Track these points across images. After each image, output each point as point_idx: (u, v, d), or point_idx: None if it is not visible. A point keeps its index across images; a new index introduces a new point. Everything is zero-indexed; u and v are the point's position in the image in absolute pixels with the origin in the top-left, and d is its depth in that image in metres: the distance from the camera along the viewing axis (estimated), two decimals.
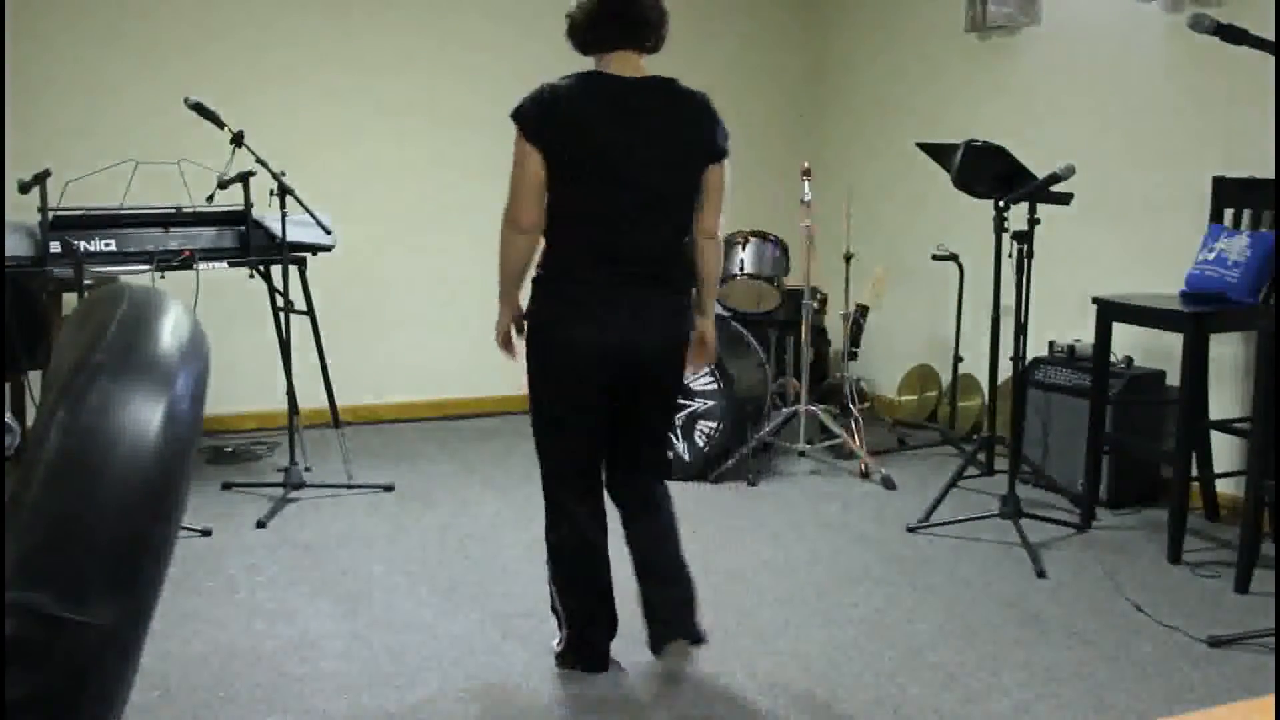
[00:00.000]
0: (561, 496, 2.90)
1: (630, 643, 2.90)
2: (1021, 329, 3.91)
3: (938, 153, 4.21)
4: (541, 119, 2.63)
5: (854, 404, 5.02)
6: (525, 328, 2.83)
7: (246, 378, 5.03)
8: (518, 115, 2.65)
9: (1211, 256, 3.86)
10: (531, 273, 2.80)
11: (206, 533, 3.90)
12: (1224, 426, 3.87)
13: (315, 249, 4.41)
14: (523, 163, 2.65)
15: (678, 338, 2.81)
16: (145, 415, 1.04)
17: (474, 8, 5.63)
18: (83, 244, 3.97)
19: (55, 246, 3.93)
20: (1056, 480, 4.30)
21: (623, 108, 2.67)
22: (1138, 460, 4.28)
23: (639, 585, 2.85)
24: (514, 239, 2.72)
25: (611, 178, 2.66)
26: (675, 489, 3.04)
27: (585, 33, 2.71)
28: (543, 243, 2.75)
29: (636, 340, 2.73)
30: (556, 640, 2.94)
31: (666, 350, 2.79)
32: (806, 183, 4.72)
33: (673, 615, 2.82)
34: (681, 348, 2.83)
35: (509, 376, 5.79)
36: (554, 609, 2.94)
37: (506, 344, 2.88)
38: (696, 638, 2.82)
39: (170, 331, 1.10)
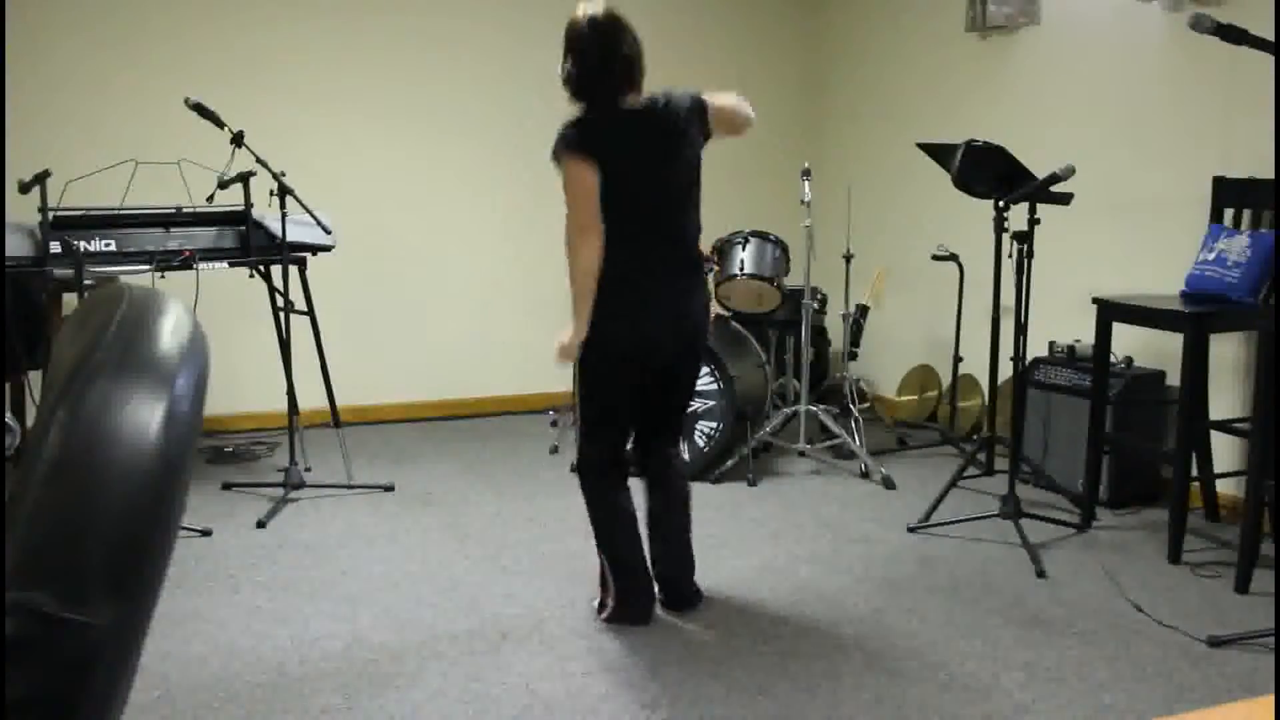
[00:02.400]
0: (608, 471, 3.25)
1: (630, 642, 2.89)
2: (1021, 329, 3.91)
3: (938, 153, 4.21)
4: (581, 141, 2.99)
5: (854, 404, 5.02)
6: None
7: (246, 378, 5.04)
8: (560, 145, 3.02)
9: (1211, 257, 3.86)
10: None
11: (206, 533, 3.90)
12: (1224, 426, 3.87)
13: (315, 249, 4.41)
14: (577, 176, 2.98)
15: (698, 329, 3.21)
16: (145, 415, 1.04)
17: (476, 12, 5.63)
18: (83, 244, 3.98)
19: (55, 246, 3.94)
20: (1056, 480, 4.30)
21: (636, 131, 3.05)
22: (1138, 460, 4.28)
23: (649, 545, 3.26)
24: (585, 243, 2.99)
25: (642, 191, 3.04)
26: None
27: (590, 86, 3.04)
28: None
29: (678, 327, 3.13)
30: (597, 603, 3.26)
31: (701, 329, 3.20)
32: (806, 183, 4.72)
33: (674, 588, 3.28)
34: (701, 334, 3.22)
35: (509, 376, 5.83)
36: (602, 576, 3.24)
37: (570, 353, 3.11)
38: (693, 602, 3.30)
39: (170, 331, 1.10)
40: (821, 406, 4.87)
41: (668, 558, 3.28)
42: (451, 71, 5.60)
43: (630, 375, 3.13)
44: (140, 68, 5.05)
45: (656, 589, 3.25)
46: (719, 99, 3.18)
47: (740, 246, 4.80)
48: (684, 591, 3.30)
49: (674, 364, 3.18)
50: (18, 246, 3.93)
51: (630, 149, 3.03)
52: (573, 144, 3.00)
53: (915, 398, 5.67)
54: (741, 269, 4.76)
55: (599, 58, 3.01)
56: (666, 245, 3.10)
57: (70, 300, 4.22)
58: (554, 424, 5.50)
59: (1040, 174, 3.77)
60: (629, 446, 3.29)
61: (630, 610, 3.18)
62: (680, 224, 3.13)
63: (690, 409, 4.58)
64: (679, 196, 3.11)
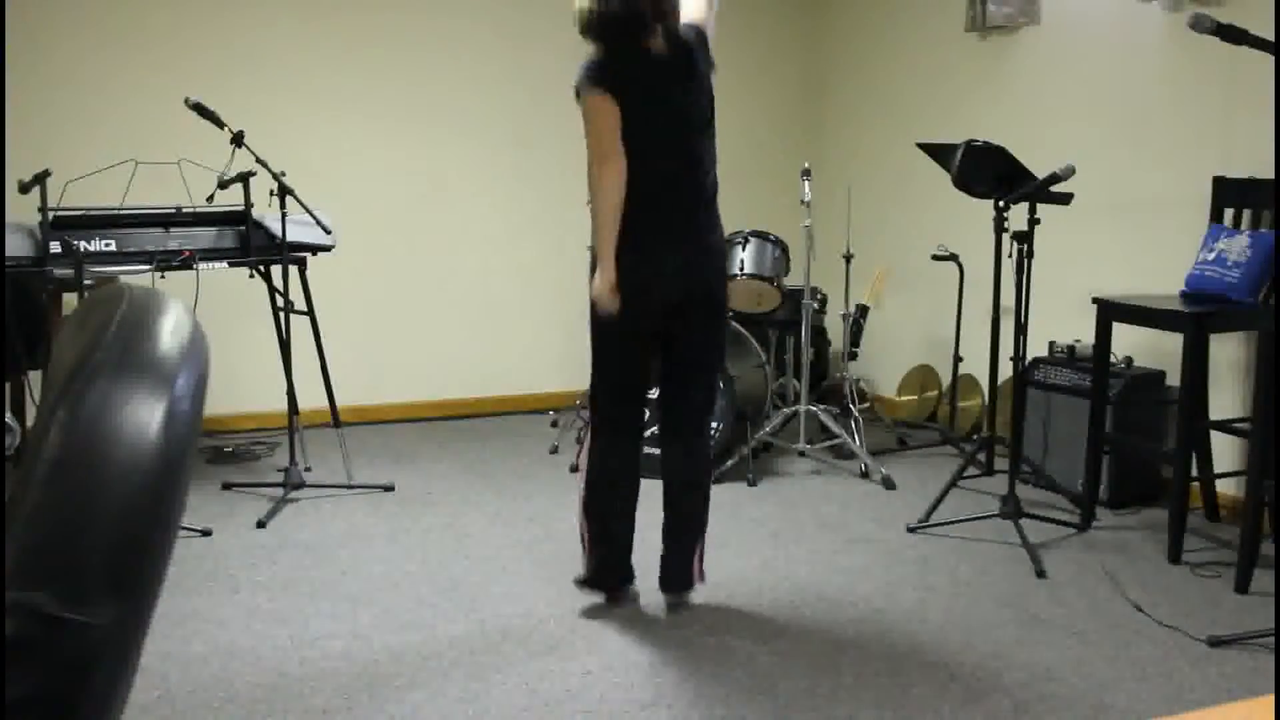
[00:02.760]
0: (612, 413, 3.23)
1: (632, 639, 2.89)
2: (1021, 329, 3.91)
3: (938, 153, 4.21)
4: (602, 76, 2.95)
5: (854, 404, 5.02)
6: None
7: (246, 378, 5.04)
8: (583, 79, 2.96)
9: (1211, 257, 3.86)
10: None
11: (206, 533, 3.90)
12: (1224, 426, 3.87)
13: (315, 249, 4.41)
14: (598, 109, 2.94)
15: (715, 277, 3.18)
16: (145, 415, 1.04)
17: (476, 12, 5.63)
18: (83, 244, 3.97)
19: (55, 246, 3.93)
20: (1056, 480, 4.30)
21: (658, 74, 3.01)
22: (1138, 460, 4.28)
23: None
24: (606, 172, 2.96)
25: (662, 136, 3.02)
26: None
27: (611, 25, 2.95)
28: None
29: (695, 273, 3.10)
30: (582, 571, 3.30)
31: (714, 284, 3.17)
32: (806, 183, 4.72)
33: (676, 569, 3.28)
34: (719, 284, 3.19)
35: (509, 376, 5.83)
36: (581, 538, 3.28)
37: (609, 296, 3.04)
38: (676, 587, 3.29)
39: (170, 331, 1.10)
40: (821, 406, 4.87)
41: (666, 534, 3.27)
42: (452, 71, 5.60)
43: (638, 317, 3.06)
44: (140, 67, 5.04)
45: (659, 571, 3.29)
46: (704, 15, 3.14)
47: (740, 246, 4.80)
48: (670, 572, 3.27)
49: (685, 314, 3.12)
50: (18, 246, 3.93)
51: (652, 93, 2.99)
52: (594, 79, 2.94)
53: (915, 398, 5.67)
54: (741, 269, 4.76)
55: None
56: (683, 193, 3.07)
57: (70, 300, 4.22)
58: (554, 424, 5.49)
59: (1040, 174, 3.77)
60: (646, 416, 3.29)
61: (599, 580, 3.26)
62: (699, 175, 3.09)
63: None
64: (698, 146, 3.08)
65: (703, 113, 3.09)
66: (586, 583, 3.28)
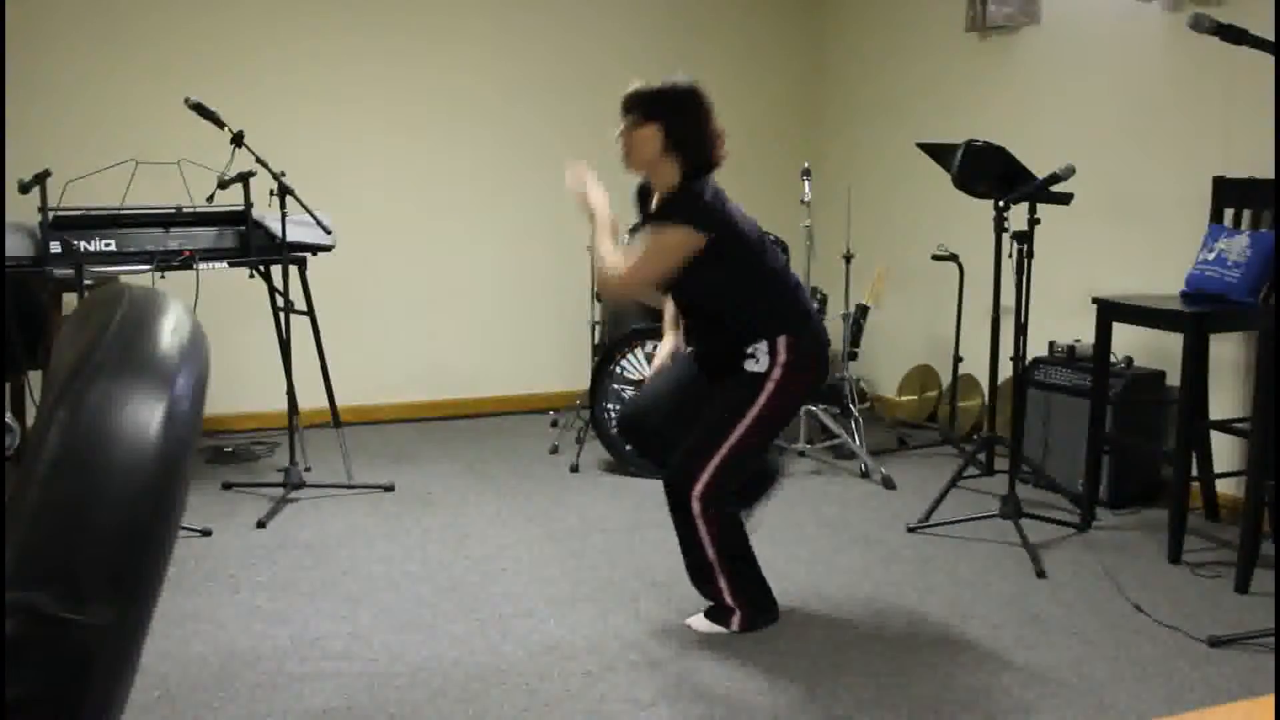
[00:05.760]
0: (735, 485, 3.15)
1: (635, 639, 2.89)
2: (1021, 329, 3.91)
3: (938, 153, 4.21)
4: (711, 213, 2.98)
5: (854, 404, 5.02)
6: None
7: (246, 378, 5.04)
8: (701, 216, 2.97)
9: (1211, 256, 3.86)
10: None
11: (206, 533, 3.90)
12: (1224, 426, 3.87)
13: (315, 249, 4.41)
14: (684, 244, 2.95)
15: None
16: (145, 415, 1.04)
17: (477, 13, 5.63)
18: (83, 244, 3.98)
19: (55, 246, 3.93)
20: (1056, 480, 4.30)
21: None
22: (1138, 460, 4.28)
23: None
24: (632, 290, 3.11)
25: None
26: None
27: (709, 151, 3.03)
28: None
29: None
30: (736, 621, 3.12)
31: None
32: (806, 183, 4.72)
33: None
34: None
35: (509, 376, 5.83)
36: (732, 597, 3.11)
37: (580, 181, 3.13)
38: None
39: (170, 331, 1.10)
40: (821, 406, 4.87)
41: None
42: (453, 72, 5.60)
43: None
44: (140, 67, 5.05)
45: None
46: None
47: None
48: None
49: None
50: (18, 246, 3.93)
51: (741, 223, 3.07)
52: (705, 218, 2.95)
53: (915, 398, 5.67)
54: None
55: (709, 123, 3.02)
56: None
57: (70, 300, 4.22)
58: (554, 424, 5.50)
59: (1040, 174, 3.77)
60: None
61: (764, 614, 3.16)
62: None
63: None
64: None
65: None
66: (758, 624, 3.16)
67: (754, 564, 3.13)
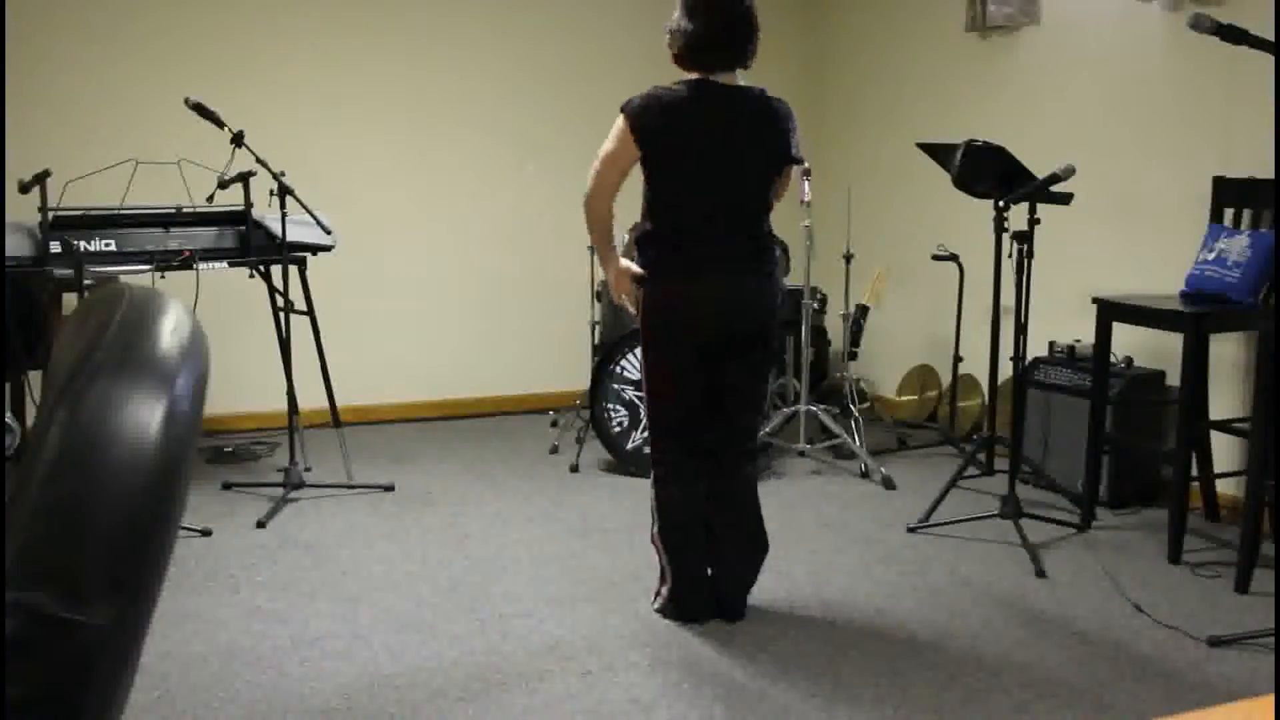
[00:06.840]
0: (672, 453, 3.17)
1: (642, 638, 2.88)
2: (1021, 329, 3.91)
3: (938, 153, 4.21)
4: (644, 114, 2.96)
5: (854, 404, 5.02)
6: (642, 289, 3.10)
7: (246, 378, 5.03)
8: (629, 106, 2.98)
9: (1211, 256, 3.86)
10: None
11: (206, 533, 3.90)
12: (1224, 426, 3.87)
13: (315, 249, 4.41)
14: (616, 144, 2.98)
15: (762, 312, 3.12)
16: (145, 415, 1.04)
17: (477, 13, 5.63)
18: (83, 244, 3.98)
19: (55, 246, 3.93)
20: (1056, 480, 4.30)
21: (723, 112, 3.02)
22: (1138, 460, 4.28)
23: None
24: (593, 204, 3.06)
25: (703, 172, 3.00)
26: None
27: (698, 54, 3.00)
28: (649, 224, 3.08)
29: (724, 310, 3.06)
30: (654, 597, 3.25)
31: (751, 319, 3.11)
32: (806, 183, 4.72)
33: (727, 594, 3.23)
34: (767, 318, 3.13)
35: (509, 376, 5.83)
36: (661, 566, 3.22)
37: (624, 293, 3.15)
38: (735, 615, 3.21)
39: (170, 331, 1.10)
40: (821, 406, 4.87)
41: (717, 567, 3.23)
42: (453, 72, 5.60)
43: (687, 347, 3.07)
44: (140, 67, 5.05)
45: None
46: (784, 189, 3.25)
47: None
48: (726, 602, 3.22)
49: (726, 343, 3.10)
50: (18, 246, 3.93)
51: (714, 123, 2.99)
52: (634, 114, 2.97)
53: (915, 398, 5.67)
54: None
55: (724, 20, 2.97)
56: (729, 227, 3.05)
57: (70, 300, 4.22)
58: (554, 424, 5.50)
59: (1040, 174, 3.77)
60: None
61: (681, 607, 3.19)
62: (748, 211, 3.09)
63: None
64: (743, 188, 3.07)
65: (761, 175, 3.10)
66: (665, 611, 3.23)
67: (689, 555, 3.19)
